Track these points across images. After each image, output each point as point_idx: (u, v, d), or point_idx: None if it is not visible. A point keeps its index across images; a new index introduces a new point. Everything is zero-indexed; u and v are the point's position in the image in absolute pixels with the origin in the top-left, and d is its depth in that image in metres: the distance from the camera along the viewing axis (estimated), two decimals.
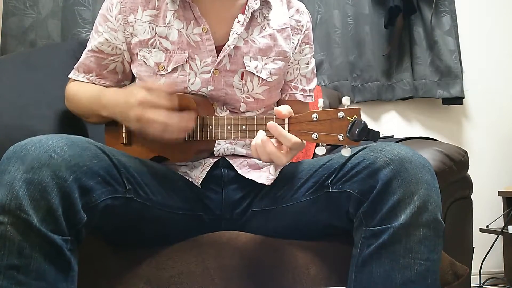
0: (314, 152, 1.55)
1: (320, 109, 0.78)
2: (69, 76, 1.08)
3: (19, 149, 0.68)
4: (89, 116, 1.03)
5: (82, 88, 1.04)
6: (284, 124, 0.80)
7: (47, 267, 0.64)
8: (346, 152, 0.77)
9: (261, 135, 0.80)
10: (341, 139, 0.77)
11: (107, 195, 0.75)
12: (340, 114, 0.77)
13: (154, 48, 0.98)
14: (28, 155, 0.66)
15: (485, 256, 1.88)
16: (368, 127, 0.74)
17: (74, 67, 1.08)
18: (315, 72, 1.15)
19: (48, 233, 0.64)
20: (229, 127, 0.86)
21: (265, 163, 1.01)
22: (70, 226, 0.68)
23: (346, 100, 0.77)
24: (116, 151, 0.82)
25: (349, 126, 0.75)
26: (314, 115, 0.78)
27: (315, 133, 0.78)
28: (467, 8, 2.12)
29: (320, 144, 0.79)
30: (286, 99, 1.10)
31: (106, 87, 1.05)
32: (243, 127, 0.85)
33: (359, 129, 0.74)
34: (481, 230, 1.93)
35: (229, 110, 1.01)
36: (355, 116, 0.76)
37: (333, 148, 1.39)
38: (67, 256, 0.67)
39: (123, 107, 0.88)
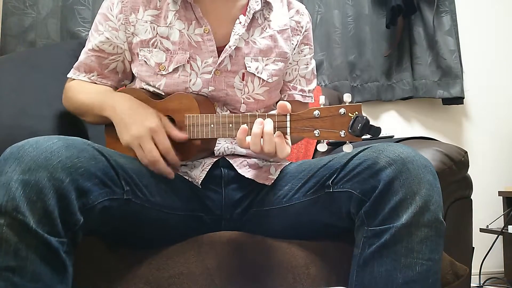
0: (315, 151, 1.55)
1: (322, 106, 0.78)
2: (68, 75, 1.08)
3: (16, 150, 0.67)
4: (87, 114, 1.02)
5: (86, 86, 1.04)
6: (286, 121, 0.80)
7: (43, 269, 0.64)
8: (348, 148, 0.77)
9: (270, 124, 0.80)
10: (343, 135, 0.76)
11: (104, 196, 0.74)
12: (342, 110, 0.76)
13: (155, 48, 0.98)
14: (25, 156, 0.66)
15: (485, 256, 1.88)
16: (370, 123, 0.74)
17: (73, 66, 1.07)
18: (315, 73, 1.15)
19: (44, 234, 0.64)
20: (230, 125, 0.86)
21: (265, 163, 1.01)
22: (67, 228, 0.67)
23: (347, 97, 0.76)
24: (114, 153, 0.81)
25: (351, 122, 0.75)
26: (316, 112, 0.78)
27: (317, 130, 0.78)
28: (467, 8, 2.12)
29: (322, 140, 0.79)
30: (285, 99, 1.10)
31: (108, 86, 1.05)
32: (245, 125, 0.85)
33: (361, 125, 0.74)
34: (481, 230, 1.93)
35: (229, 111, 1.01)
36: (356, 112, 0.76)
37: (333, 148, 1.38)
38: (63, 258, 0.67)
39: (135, 117, 0.89)
